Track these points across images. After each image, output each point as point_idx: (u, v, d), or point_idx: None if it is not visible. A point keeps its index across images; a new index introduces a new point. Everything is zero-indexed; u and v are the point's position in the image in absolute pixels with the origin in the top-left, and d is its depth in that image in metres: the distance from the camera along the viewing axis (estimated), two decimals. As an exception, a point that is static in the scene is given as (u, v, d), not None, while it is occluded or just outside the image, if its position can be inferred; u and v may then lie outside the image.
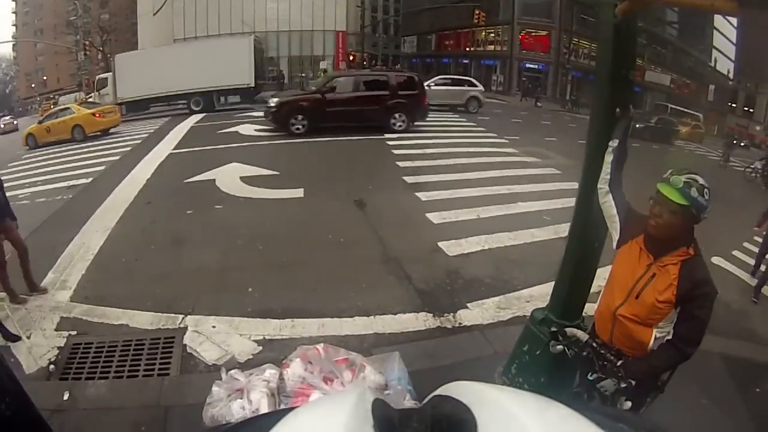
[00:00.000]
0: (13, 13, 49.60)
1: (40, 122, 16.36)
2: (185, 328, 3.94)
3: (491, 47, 33.32)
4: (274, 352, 3.46)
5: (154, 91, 18.38)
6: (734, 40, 37.33)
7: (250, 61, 18.76)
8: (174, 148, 11.60)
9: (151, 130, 15.14)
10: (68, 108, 16.46)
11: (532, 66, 31.38)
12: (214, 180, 8.21)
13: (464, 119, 16.86)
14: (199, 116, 17.06)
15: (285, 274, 4.82)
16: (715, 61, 36.49)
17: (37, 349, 3.78)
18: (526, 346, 2.73)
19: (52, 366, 3.57)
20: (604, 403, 1.83)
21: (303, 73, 31.36)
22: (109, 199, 7.56)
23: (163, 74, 17.84)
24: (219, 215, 6.71)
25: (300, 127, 12.35)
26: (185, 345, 3.72)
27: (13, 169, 11.76)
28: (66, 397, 3.18)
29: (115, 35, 36.27)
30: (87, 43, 33.47)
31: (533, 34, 30.98)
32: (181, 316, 4.10)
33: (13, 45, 47.66)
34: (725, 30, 36.43)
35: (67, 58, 31.89)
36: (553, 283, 2.81)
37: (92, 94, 22.64)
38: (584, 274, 2.61)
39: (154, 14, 26.20)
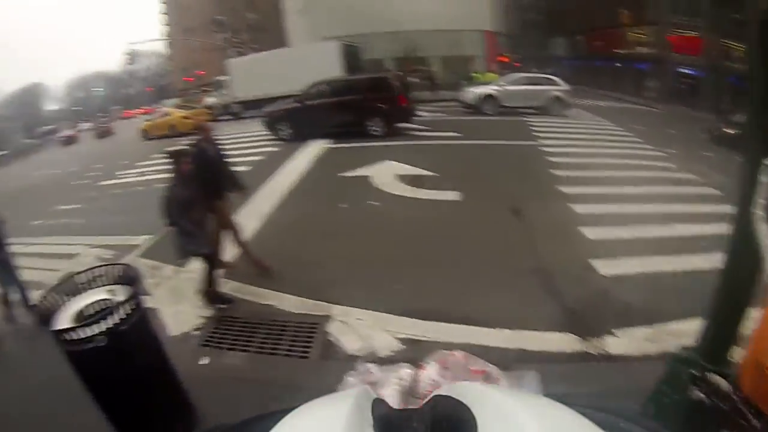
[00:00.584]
0: (163, 14, 56.58)
1: (148, 120, 21.91)
2: (330, 317, 4.15)
3: (642, 49, 28.57)
4: (415, 353, 3.46)
5: (261, 92, 19.63)
6: None
7: (338, 65, 19.16)
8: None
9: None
10: (167, 112, 22.00)
11: (686, 71, 25.72)
12: (367, 177, 8.60)
13: (620, 128, 15.18)
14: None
15: (435, 276, 4.85)
16: None
17: (182, 316, 4.25)
18: (666, 387, 2.45)
19: (196, 332, 4.01)
20: None
21: (455, 73, 28.69)
22: (267, 186, 8.31)
23: (267, 78, 19.32)
24: (373, 211, 7.04)
25: (286, 134, 12.93)
26: (328, 332, 3.93)
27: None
28: (206, 361, 3.55)
29: (265, 33, 37.81)
30: (237, 40, 35.16)
31: (682, 34, 25.65)
32: (327, 305, 4.32)
33: (169, 43, 55.59)
34: None
35: (221, 55, 33.14)
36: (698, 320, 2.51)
37: (214, 93, 25.95)
38: (735, 313, 2.21)
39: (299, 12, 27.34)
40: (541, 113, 16.50)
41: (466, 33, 31.10)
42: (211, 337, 3.97)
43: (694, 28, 24.40)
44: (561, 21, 36.54)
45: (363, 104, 12.64)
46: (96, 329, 2.31)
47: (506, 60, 33.16)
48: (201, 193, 4.10)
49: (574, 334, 3.87)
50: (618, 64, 30.05)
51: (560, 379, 3.18)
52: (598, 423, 0.64)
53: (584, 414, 0.67)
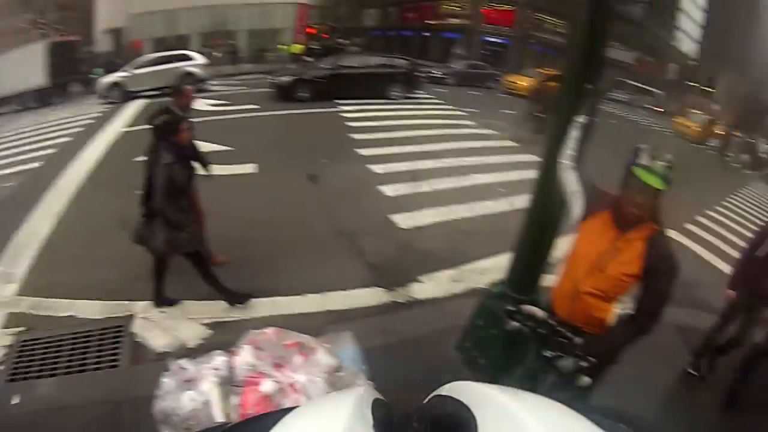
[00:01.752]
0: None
1: None
2: (133, 316, 3.74)
3: (454, 21, 32.20)
4: (225, 336, 3.29)
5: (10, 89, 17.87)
6: (700, 21, 38.62)
7: (42, 70, 17.81)
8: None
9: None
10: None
11: (494, 40, 30.51)
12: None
13: (423, 93, 16.00)
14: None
15: (234, 253, 4.50)
16: (679, 40, 37.55)
17: None
18: (482, 321, 2.70)
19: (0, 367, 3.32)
20: (560, 380, 1.84)
21: (262, 48, 29.38)
22: (61, 182, 7.04)
23: (11, 74, 17.40)
24: None
25: None
26: (134, 333, 3.55)
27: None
28: (17, 400, 2.96)
29: (72, 12, 33.45)
30: (43, 21, 31.01)
31: (498, 8, 30.28)
32: (128, 303, 3.87)
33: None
34: (691, 10, 37.45)
35: (25, 38, 29.28)
36: (508, 255, 2.76)
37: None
38: (542, 249, 2.60)
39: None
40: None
41: (279, 6, 31.50)
42: (15, 368, 3.32)
43: (511, 2, 29.26)
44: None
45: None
46: None
47: (314, 32, 34.43)
48: (194, 171, 3.53)
49: (381, 287, 4.01)
50: (427, 34, 33.73)
51: (376, 332, 3.31)
52: (598, 423, 0.64)
53: (584, 414, 0.66)
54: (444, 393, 0.82)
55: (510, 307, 2.12)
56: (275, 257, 4.50)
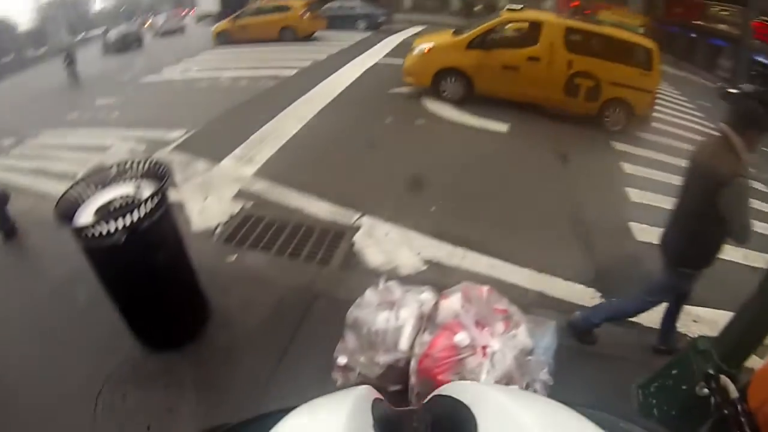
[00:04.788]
0: None
1: (236, 17, 15.77)
2: (358, 228, 4.02)
3: (722, 26, 25.79)
4: (437, 277, 3.36)
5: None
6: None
7: None
8: (383, 57, 11.56)
9: (358, 39, 15.12)
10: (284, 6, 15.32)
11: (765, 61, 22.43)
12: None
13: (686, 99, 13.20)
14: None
15: (471, 204, 4.65)
16: None
17: (209, 212, 4.24)
18: (676, 371, 2.46)
19: (219, 228, 3.99)
20: None
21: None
22: (311, 93, 8.07)
23: None
24: (419, 131, 6.70)
25: None
26: (353, 243, 3.84)
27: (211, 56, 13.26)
28: (232, 259, 3.54)
29: None
30: None
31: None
32: (357, 215, 4.18)
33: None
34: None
35: None
36: (727, 314, 2.38)
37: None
38: (765, 327, 2.24)
39: None
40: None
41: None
42: (234, 233, 3.91)
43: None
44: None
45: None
46: (115, 225, 2.20)
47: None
48: None
49: (598, 292, 3.64)
50: (693, 35, 27.90)
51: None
52: (598, 423, 0.61)
53: (584, 414, 0.64)
54: (444, 393, 0.82)
55: (710, 371, 1.97)
56: (507, 222, 4.45)
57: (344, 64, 10.56)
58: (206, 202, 4.45)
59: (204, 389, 2.50)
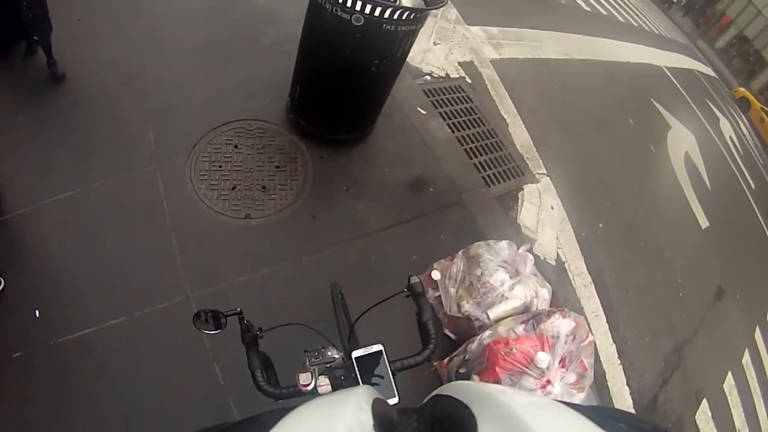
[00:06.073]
0: None
1: None
2: (537, 181, 3.90)
3: None
4: (551, 276, 3.26)
5: None
6: None
7: None
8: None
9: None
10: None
11: None
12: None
13: None
14: None
15: None
16: None
17: (430, 58, 4.14)
18: None
19: (428, 77, 4.01)
20: None
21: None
22: None
23: None
24: None
25: None
26: (522, 189, 3.73)
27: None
28: (423, 112, 3.65)
29: None
30: None
31: None
32: (543, 171, 4.04)
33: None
34: None
35: None
36: None
37: None
38: None
39: None
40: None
41: None
42: (435, 92, 3.83)
43: None
44: None
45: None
46: (360, 4, 2.25)
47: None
48: None
49: None
50: None
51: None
52: (598, 423, 0.61)
53: (584, 414, 0.64)
54: (444, 393, 0.80)
55: None
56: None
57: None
58: (435, 47, 4.37)
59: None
